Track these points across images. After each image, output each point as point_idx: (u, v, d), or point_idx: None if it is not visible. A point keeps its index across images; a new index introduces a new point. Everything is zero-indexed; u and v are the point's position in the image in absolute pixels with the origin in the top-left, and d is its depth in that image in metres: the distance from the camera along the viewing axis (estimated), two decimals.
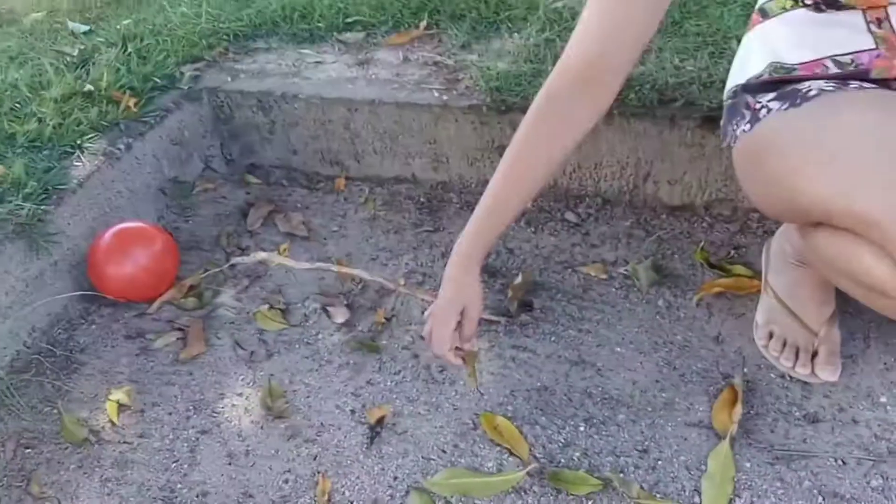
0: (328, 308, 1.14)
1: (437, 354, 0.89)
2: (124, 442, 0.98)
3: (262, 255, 1.14)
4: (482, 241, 0.88)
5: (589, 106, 0.79)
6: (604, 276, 1.13)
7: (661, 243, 1.18)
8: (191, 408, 1.02)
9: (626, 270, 1.13)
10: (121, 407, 1.03)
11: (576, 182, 1.28)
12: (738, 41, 1.19)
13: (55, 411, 1.03)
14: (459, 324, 0.87)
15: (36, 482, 0.94)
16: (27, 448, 0.99)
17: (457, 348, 0.91)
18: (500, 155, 1.28)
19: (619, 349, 1.01)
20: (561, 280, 1.13)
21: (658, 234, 1.19)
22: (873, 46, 0.75)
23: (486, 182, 1.33)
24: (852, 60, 0.76)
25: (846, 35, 0.76)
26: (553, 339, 1.04)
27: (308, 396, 1.01)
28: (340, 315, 1.12)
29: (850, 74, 0.77)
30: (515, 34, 1.38)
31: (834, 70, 0.77)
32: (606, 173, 1.25)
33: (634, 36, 0.76)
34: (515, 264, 1.18)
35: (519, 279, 1.12)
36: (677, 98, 1.15)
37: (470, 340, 0.91)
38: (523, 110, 1.21)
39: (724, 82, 1.03)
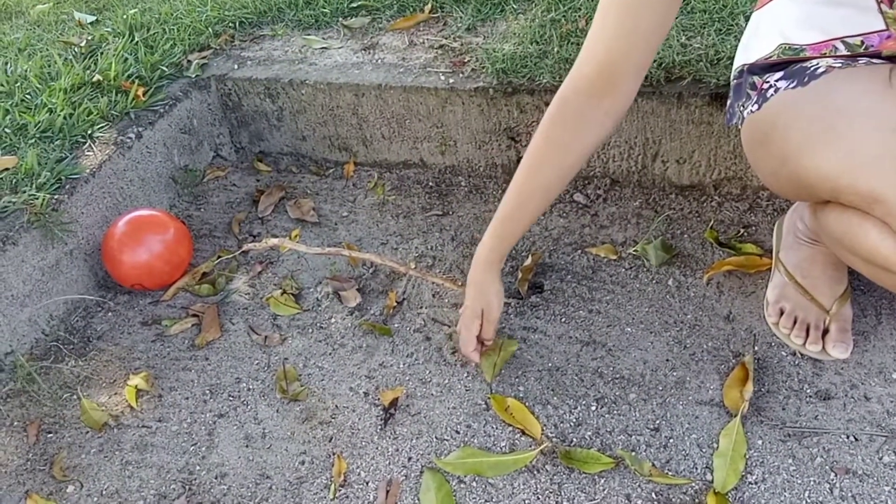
0: (340, 292, 1.15)
1: (463, 354, 0.96)
2: (143, 426, 1.00)
3: (273, 240, 1.15)
4: (501, 246, 0.91)
5: (604, 111, 0.79)
6: (613, 257, 1.13)
7: (671, 223, 1.18)
8: (207, 392, 1.03)
9: (635, 251, 1.13)
10: (139, 392, 1.05)
11: (584, 163, 1.27)
12: (746, 18, 1.18)
13: (75, 397, 1.05)
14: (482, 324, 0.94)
15: (58, 466, 0.96)
16: (49, 433, 1.01)
17: (482, 344, 0.98)
18: (508, 137, 1.29)
19: (629, 329, 1.01)
20: (570, 261, 1.14)
21: (667, 214, 1.19)
22: (883, 28, 0.74)
23: (494, 165, 1.35)
24: (862, 42, 0.75)
25: (856, 15, 0.75)
26: (563, 319, 1.05)
27: (322, 379, 1.02)
28: (352, 299, 1.13)
29: (859, 55, 0.76)
30: (521, 15, 1.37)
31: (843, 51, 0.77)
32: (614, 154, 1.24)
33: (646, 40, 0.75)
34: (525, 246, 1.18)
35: (528, 261, 1.13)
36: (685, 76, 1.14)
37: (489, 340, 0.96)
38: (530, 92, 1.22)
39: (731, 59, 1.03)
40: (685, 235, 1.15)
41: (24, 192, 1.15)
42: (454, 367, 1.01)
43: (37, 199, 1.14)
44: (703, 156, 1.19)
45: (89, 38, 1.57)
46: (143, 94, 1.37)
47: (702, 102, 1.12)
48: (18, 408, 1.05)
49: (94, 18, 1.71)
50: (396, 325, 1.08)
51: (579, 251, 1.15)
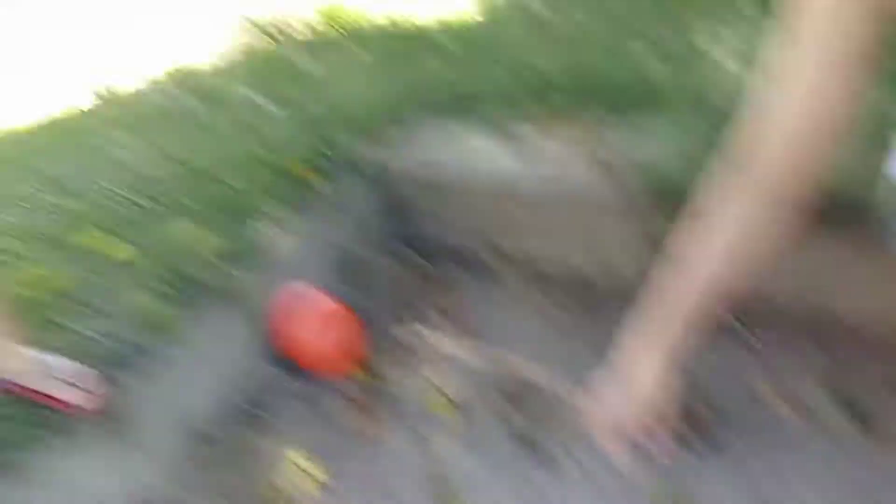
0: (502, 406, 1.15)
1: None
2: None
3: (434, 338, 1.18)
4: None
5: None
6: (791, 411, 1.05)
7: (856, 378, 1.08)
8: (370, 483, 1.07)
9: (814, 407, 1.04)
10: (306, 473, 1.10)
11: (752, 299, 1.22)
12: None
13: (248, 468, 1.12)
14: None
15: None
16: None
17: None
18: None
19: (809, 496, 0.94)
20: (741, 409, 1.08)
21: (851, 368, 1.10)
22: None
23: (649, 277, 1.31)
24: None
25: None
26: (733, 475, 0.99)
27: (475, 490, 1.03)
28: (513, 415, 1.14)
29: None
30: (676, 125, 1.34)
31: None
32: (779, 297, 1.18)
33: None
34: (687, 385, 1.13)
35: (694, 404, 1.08)
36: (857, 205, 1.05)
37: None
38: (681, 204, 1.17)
39: None
40: (872, 396, 1.05)
41: (211, 265, 1.24)
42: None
43: (221, 272, 1.23)
44: (883, 299, 1.10)
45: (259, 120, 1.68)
46: (311, 177, 1.44)
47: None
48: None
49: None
50: (558, 449, 1.08)
51: (752, 398, 1.09)
